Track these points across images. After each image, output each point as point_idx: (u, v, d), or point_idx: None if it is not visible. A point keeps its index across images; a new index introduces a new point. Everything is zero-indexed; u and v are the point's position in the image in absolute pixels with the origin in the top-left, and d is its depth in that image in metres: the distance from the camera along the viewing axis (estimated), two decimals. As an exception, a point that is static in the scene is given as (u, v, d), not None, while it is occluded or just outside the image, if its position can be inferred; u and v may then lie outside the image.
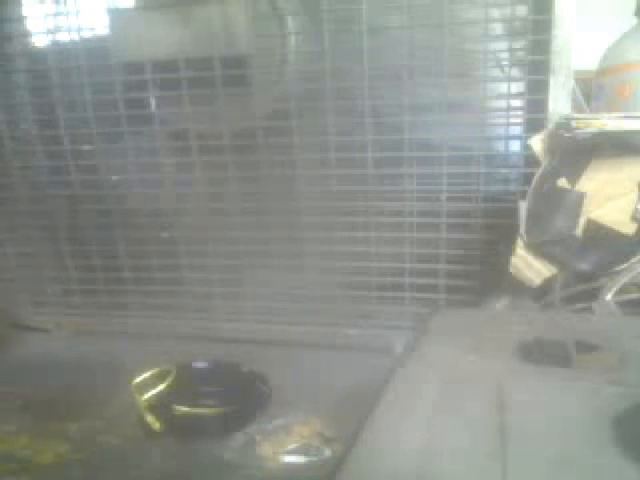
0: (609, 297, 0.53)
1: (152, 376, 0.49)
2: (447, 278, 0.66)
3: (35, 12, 0.71)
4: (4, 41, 0.72)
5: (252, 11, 0.63)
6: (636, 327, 0.47)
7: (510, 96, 0.61)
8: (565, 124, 0.54)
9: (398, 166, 0.64)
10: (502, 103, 0.62)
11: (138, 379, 0.49)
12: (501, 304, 0.62)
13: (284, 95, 0.65)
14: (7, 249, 0.79)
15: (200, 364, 0.54)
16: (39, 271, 0.79)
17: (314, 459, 0.42)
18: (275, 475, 0.41)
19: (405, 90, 0.61)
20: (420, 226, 0.66)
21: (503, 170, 0.66)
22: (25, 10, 0.72)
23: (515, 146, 0.63)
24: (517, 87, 0.61)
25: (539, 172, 0.57)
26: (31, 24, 0.72)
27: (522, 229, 0.57)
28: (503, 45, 0.61)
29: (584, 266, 0.56)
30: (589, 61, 0.74)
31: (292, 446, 0.44)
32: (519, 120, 0.61)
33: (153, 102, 0.70)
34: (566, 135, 0.53)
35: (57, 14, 0.69)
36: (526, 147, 0.60)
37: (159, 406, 0.47)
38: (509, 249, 0.58)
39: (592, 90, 0.75)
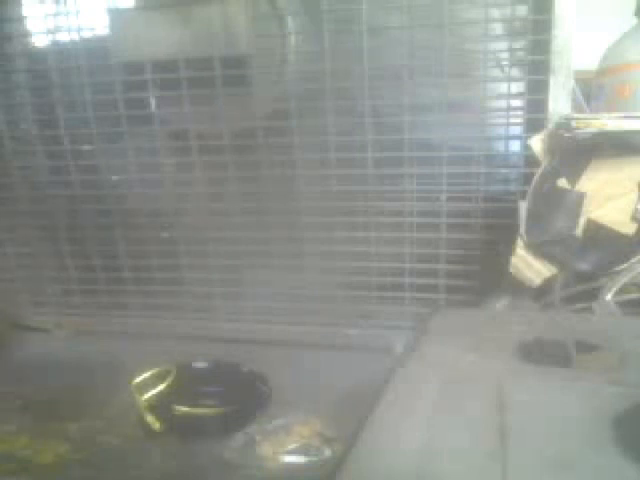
0: (609, 297, 0.53)
1: (152, 376, 0.49)
2: (447, 278, 0.66)
3: (35, 12, 0.71)
4: (4, 41, 0.72)
5: (252, 11, 0.63)
6: (636, 327, 0.47)
7: (510, 96, 0.61)
8: (565, 124, 0.54)
9: (398, 166, 0.64)
10: (502, 103, 0.62)
11: (138, 379, 0.49)
12: (501, 304, 0.62)
13: (284, 95, 0.65)
14: (7, 249, 0.79)
15: (200, 364, 0.54)
16: (39, 271, 0.79)
17: (314, 459, 0.42)
18: (275, 475, 0.41)
19: (405, 90, 0.61)
20: (420, 226, 0.66)
21: (503, 170, 0.66)
22: (25, 10, 0.72)
23: (515, 146, 0.63)
24: (517, 87, 0.61)
25: (539, 172, 0.57)
26: (31, 24, 0.72)
27: (522, 229, 0.57)
28: (503, 45, 0.61)
29: (584, 266, 0.56)
30: (589, 61, 0.74)
31: (292, 446, 0.44)
32: (519, 120, 0.61)
33: (153, 102, 0.70)
34: (566, 135, 0.53)
35: (57, 14, 0.69)
36: (526, 147, 0.60)
37: (159, 406, 0.47)
38: (509, 249, 0.58)
39: (592, 90, 0.75)
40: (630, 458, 0.28)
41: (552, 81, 0.58)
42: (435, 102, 0.61)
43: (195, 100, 0.66)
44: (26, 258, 0.79)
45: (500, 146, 0.65)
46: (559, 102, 0.58)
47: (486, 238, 0.64)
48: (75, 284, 0.78)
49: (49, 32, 0.70)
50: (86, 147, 0.73)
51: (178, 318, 0.76)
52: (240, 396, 0.50)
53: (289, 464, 0.42)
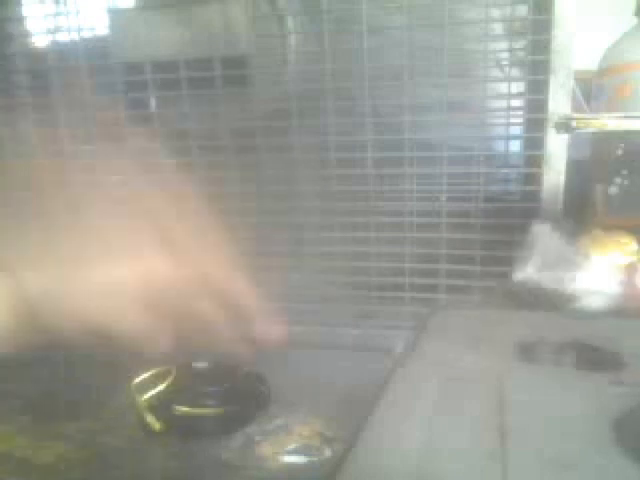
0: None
1: (152, 376, 0.49)
2: (447, 278, 0.66)
3: (35, 12, 0.71)
4: (4, 41, 0.72)
5: (252, 11, 0.63)
6: (636, 327, 0.47)
7: (510, 96, 0.61)
8: (565, 124, 0.54)
9: (398, 166, 0.64)
10: (502, 103, 0.62)
11: (138, 379, 0.49)
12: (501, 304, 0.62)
13: (284, 95, 0.65)
14: (7, 249, 0.79)
15: (200, 364, 0.53)
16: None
17: (314, 459, 0.42)
18: (275, 475, 0.41)
19: (405, 90, 0.61)
20: (420, 226, 0.66)
21: (503, 170, 0.66)
22: (25, 10, 0.72)
23: (515, 146, 0.63)
24: (517, 87, 0.61)
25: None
26: (31, 24, 0.72)
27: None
28: (503, 45, 0.61)
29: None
30: (589, 61, 0.74)
31: (292, 446, 0.44)
32: (519, 120, 0.61)
33: (153, 102, 0.70)
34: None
35: (57, 14, 0.69)
36: (526, 147, 0.60)
37: (159, 406, 0.47)
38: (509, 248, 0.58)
39: (592, 90, 0.75)
40: (631, 458, 0.28)
41: (552, 81, 0.58)
42: (435, 102, 0.61)
43: (195, 100, 0.66)
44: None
45: (500, 146, 0.65)
46: (559, 102, 0.58)
47: (486, 238, 0.64)
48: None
49: (49, 32, 0.70)
50: (86, 147, 0.72)
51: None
52: (240, 396, 0.50)
53: (289, 464, 0.42)
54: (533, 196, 0.61)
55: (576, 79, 0.61)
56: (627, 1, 0.73)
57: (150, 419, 0.46)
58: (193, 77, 0.65)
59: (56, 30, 0.70)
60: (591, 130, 0.54)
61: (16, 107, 0.75)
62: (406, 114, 0.62)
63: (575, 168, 0.64)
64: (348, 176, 0.66)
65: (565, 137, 0.58)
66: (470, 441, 0.30)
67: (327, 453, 0.43)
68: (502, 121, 0.63)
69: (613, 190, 0.71)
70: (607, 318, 0.49)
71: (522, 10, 0.59)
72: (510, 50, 0.61)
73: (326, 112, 0.63)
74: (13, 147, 0.75)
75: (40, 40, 0.72)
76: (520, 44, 0.61)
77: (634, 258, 0.55)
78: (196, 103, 0.66)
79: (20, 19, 0.72)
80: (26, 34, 0.72)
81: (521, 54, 0.61)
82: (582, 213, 0.76)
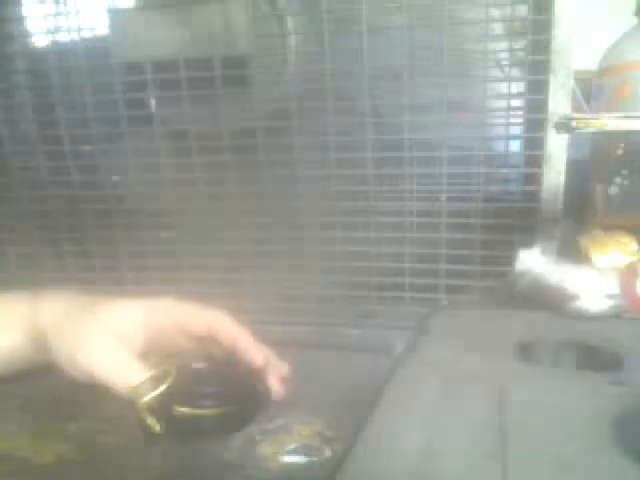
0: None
1: (152, 377, 0.48)
2: (447, 278, 0.66)
3: (35, 12, 0.71)
4: (4, 41, 0.72)
5: (252, 11, 0.63)
6: (636, 327, 0.47)
7: (510, 96, 0.61)
8: (565, 124, 0.54)
9: (398, 166, 0.64)
10: (502, 103, 0.62)
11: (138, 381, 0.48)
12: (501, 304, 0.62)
13: (284, 95, 0.65)
14: (7, 249, 0.79)
15: (200, 364, 0.53)
16: (39, 271, 0.79)
17: (314, 459, 0.42)
18: (275, 475, 0.41)
19: (405, 90, 0.61)
20: (420, 226, 0.66)
21: (503, 170, 0.66)
22: (25, 10, 0.72)
23: (515, 146, 0.63)
24: (517, 87, 0.61)
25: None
26: (31, 24, 0.72)
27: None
28: (503, 45, 0.61)
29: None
30: (589, 61, 0.74)
31: (292, 446, 0.44)
32: (519, 120, 0.61)
33: (153, 102, 0.70)
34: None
35: (57, 14, 0.69)
36: (526, 147, 0.60)
37: (159, 408, 0.47)
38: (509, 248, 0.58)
39: (592, 90, 0.75)
40: (630, 458, 0.28)
41: (552, 81, 0.58)
42: (435, 102, 0.61)
43: (195, 100, 0.66)
44: (26, 258, 0.79)
45: (500, 146, 0.65)
46: (559, 102, 0.58)
47: (486, 238, 0.64)
48: (75, 284, 0.78)
49: (49, 32, 0.70)
50: (86, 147, 0.73)
51: (178, 318, 0.76)
52: (240, 396, 0.50)
53: (289, 464, 0.42)
54: (533, 196, 0.61)
55: (576, 79, 0.61)
56: (627, 1, 0.73)
57: (151, 421, 0.46)
58: (193, 77, 0.65)
59: (56, 30, 0.70)
60: (591, 130, 0.54)
61: (16, 107, 0.75)
62: (406, 114, 0.62)
63: (575, 168, 0.64)
64: (348, 176, 0.66)
65: (565, 137, 0.58)
66: (470, 441, 0.30)
67: (327, 453, 0.43)
68: (502, 121, 0.63)
69: (613, 190, 0.71)
70: (607, 318, 0.49)
71: (522, 10, 0.59)
72: (510, 50, 0.61)
73: (326, 112, 0.63)
74: (13, 147, 0.75)
75: (40, 40, 0.72)
76: (520, 44, 0.61)
77: (634, 258, 0.55)
78: (196, 103, 0.66)
79: (20, 19, 0.72)
80: (26, 34, 0.72)
81: (521, 54, 0.61)
82: (582, 213, 0.76)
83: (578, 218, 0.74)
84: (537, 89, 0.59)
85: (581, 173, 0.74)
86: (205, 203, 0.71)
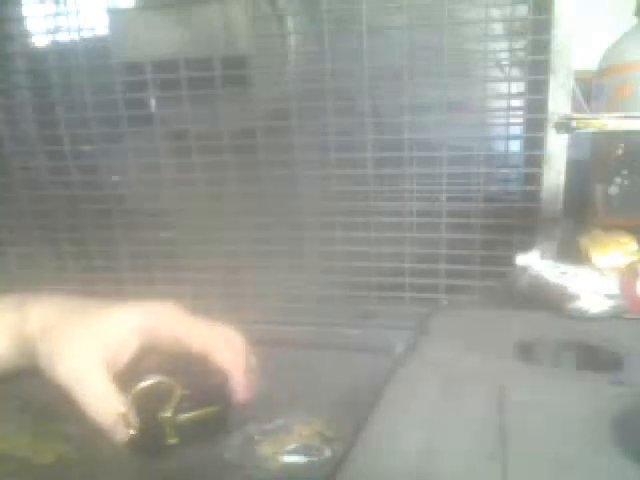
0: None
1: (151, 386, 0.48)
2: (447, 278, 0.66)
3: (35, 12, 0.71)
4: (4, 41, 0.72)
5: (252, 11, 0.63)
6: (636, 327, 0.47)
7: (510, 96, 0.61)
8: (565, 124, 0.54)
9: (398, 166, 0.64)
10: (502, 103, 0.62)
11: (137, 388, 0.48)
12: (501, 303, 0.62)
13: (284, 95, 0.65)
14: (7, 249, 0.79)
15: (197, 367, 0.53)
16: (39, 271, 0.79)
17: (314, 459, 0.42)
18: (275, 475, 0.41)
19: (405, 90, 0.61)
20: (420, 226, 0.66)
21: (503, 170, 0.66)
22: (25, 10, 0.72)
23: (515, 146, 0.63)
24: (517, 87, 0.61)
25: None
26: (31, 24, 0.72)
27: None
28: (503, 45, 0.61)
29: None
30: (589, 61, 0.74)
31: (292, 446, 0.44)
32: (519, 120, 0.61)
33: (153, 102, 0.70)
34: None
35: (57, 14, 0.69)
36: (526, 147, 0.59)
37: (159, 410, 0.47)
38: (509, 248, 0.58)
39: (592, 90, 0.75)
40: (630, 458, 0.28)
41: (552, 81, 0.58)
42: (435, 102, 0.61)
43: (195, 100, 0.66)
44: (26, 258, 0.79)
45: (500, 146, 0.65)
46: (559, 102, 0.58)
47: (486, 238, 0.64)
48: (75, 284, 0.78)
49: (49, 32, 0.70)
50: (86, 147, 0.73)
51: (178, 318, 0.76)
52: (214, 397, 0.49)
53: (289, 464, 0.42)
54: (533, 196, 0.61)
55: (576, 79, 0.61)
56: (627, 1, 0.73)
57: (151, 425, 0.45)
58: (193, 77, 0.65)
59: (56, 30, 0.70)
60: (591, 130, 0.54)
61: (16, 107, 0.75)
62: (406, 114, 0.62)
63: (575, 168, 0.64)
64: (348, 176, 0.66)
65: (565, 137, 0.58)
66: (470, 441, 0.30)
67: (327, 453, 0.43)
68: (502, 121, 0.63)
69: (613, 190, 0.71)
70: (607, 318, 0.49)
71: (522, 10, 0.59)
72: (510, 50, 0.61)
73: (326, 112, 0.63)
74: (13, 147, 0.75)
75: (40, 40, 0.72)
76: (520, 44, 0.61)
77: (634, 258, 0.55)
78: (196, 103, 0.66)
79: (20, 19, 0.72)
80: (26, 34, 0.72)
81: (521, 54, 0.61)
82: (582, 213, 0.76)
83: (578, 218, 0.74)
84: (537, 89, 0.59)
85: (581, 173, 0.74)
86: (205, 203, 0.71)
